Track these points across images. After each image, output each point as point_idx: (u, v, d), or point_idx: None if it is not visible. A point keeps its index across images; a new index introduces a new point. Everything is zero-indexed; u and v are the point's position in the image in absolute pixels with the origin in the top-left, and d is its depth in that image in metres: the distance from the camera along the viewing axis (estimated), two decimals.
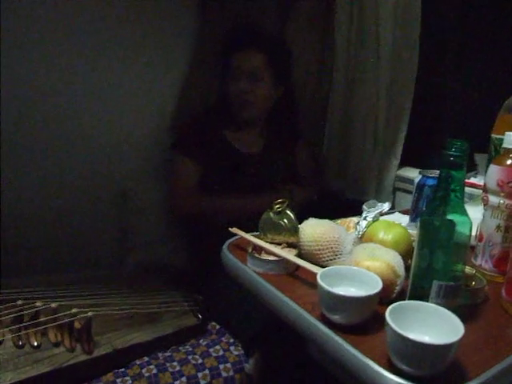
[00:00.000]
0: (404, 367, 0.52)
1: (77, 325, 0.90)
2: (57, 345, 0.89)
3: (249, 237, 0.77)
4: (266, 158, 1.40)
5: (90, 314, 0.90)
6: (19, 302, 0.92)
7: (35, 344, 0.88)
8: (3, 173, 1.27)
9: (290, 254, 0.72)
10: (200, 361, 0.94)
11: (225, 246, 0.80)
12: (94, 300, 0.98)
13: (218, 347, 0.99)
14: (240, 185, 1.33)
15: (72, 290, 1.02)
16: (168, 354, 0.96)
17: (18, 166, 1.31)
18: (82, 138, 1.38)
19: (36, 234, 1.34)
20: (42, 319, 0.91)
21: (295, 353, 0.93)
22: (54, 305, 0.92)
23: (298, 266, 0.72)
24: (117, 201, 1.44)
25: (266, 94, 1.39)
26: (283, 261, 0.71)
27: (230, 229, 0.81)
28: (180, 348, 0.98)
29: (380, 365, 0.54)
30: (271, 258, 0.73)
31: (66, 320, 0.90)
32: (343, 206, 1.01)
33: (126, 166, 1.45)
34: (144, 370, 0.90)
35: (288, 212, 0.77)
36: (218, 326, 1.08)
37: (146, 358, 0.94)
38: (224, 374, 0.95)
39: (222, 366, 0.95)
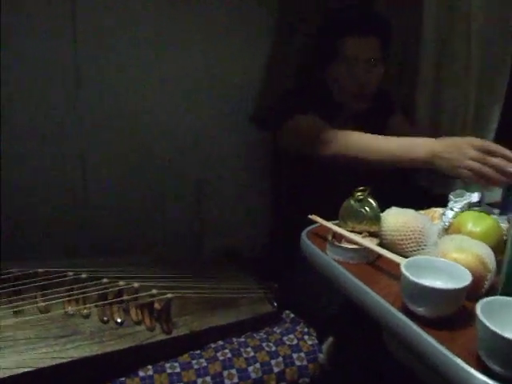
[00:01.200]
0: (496, 367, 0.49)
1: (157, 305, 0.93)
2: (138, 323, 0.93)
3: (329, 224, 0.76)
4: None
5: (169, 295, 0.93)
6: (104, 280, 0.97)
7: (118, 320, 0.92)
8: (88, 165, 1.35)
9: (371, 243, 0.70)
10: (274, 348, 0.95)
11: (304, 234, 0.79)
12: (173, 282, 1.00)
13: (291, 336, 0.98)
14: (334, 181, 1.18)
15: (153, 272, 1.05)
16: (242, 339, 0.97)
17: (102, 159, 1.39)
18: (159, 130, 1.42)
19: (120, 218, 1.40)
20: (124, 298, 0.95)
21: (369, 343, 0.91)
22: (136, 285, 0.96)
23: (379, 256, 0.70)
24: (196, 188, 1.47)
25: (378, 82, 1.26)
26: (364, 250, 0.69)
27: (309, 216, 0.80)
28: (254, 334, 0.99)
29: (469, 363, 0.51)
30: (352, 246, 0.71)
31: (147, 300, 0.94)
32: (429, 201, 0.96)
33: (203, 154, 1.48)
34: (219, 354, 0.92)
35: (370, 200, 0.75)
36: (292, 315, 1.07)
37: (220, 342, 0.95)
38: (297, 363, 0.94)
39: (295, 355, 0.95)
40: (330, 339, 0.98)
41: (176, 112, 1.44)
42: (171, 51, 1.40)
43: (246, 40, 1.47)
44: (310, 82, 1.36)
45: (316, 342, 0.99)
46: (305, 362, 0.95)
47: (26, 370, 0.80)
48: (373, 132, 1.12)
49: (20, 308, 0.93)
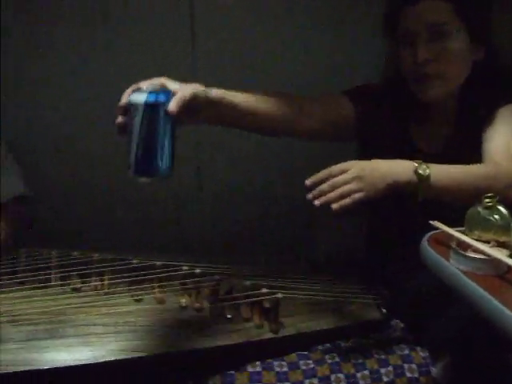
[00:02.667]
0: None
1: (266, 304, 0.95)
2: (247, 320, 0.95)
3: (453, 232, 0.72)
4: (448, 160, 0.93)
5: (279, 295, 0.93)
6: (217, 277, 1.01)
7: (228, 316, 0.95)
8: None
9: (502, 254, 0.65)
10: (383, 356, 0.92)
11: (425, 240, 0.76)
12: (284, 283, 1.01)
13: (402, 345, 0.94)
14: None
15: (264, 271, 1.07)
16: (350, 344, 0.95)
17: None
18: None
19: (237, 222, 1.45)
20: (235, 295, 0.98)
21: (492, 364, 0.84)
22: (247, 283, 0.99)
23: (510, 269, 0.65)
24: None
25: (458, 59, 0.97)
26: (494, 261, 0.65)
27: (430, 222, 0.76)
28: (363, 341, 0.96)
29: None
30: (479, 256, 0.66)
31: (257, 298, 0.96)
32: None
33: None
34: (327, 357, 0.90)
35: (500, 207, 0.69)
36: (401, 325, 1.03)
37: (328, 345, 0.94)
38: (408, 375, 0.90)
39: (406, 366, 0.91)
40: (448, 357, 0.92)
41: None
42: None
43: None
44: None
45: (428, 354, 0.95)
46: (416, 375, 0.91)
47: (143, 354, 0.85)
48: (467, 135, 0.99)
49: (139, 297, 0.99)
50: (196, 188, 1.51)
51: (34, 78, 1.43)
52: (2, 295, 0.97)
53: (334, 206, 0.80)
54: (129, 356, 0.85)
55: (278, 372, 0.87)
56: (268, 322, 0.95)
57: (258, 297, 0.95)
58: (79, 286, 1.02)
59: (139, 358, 0.85)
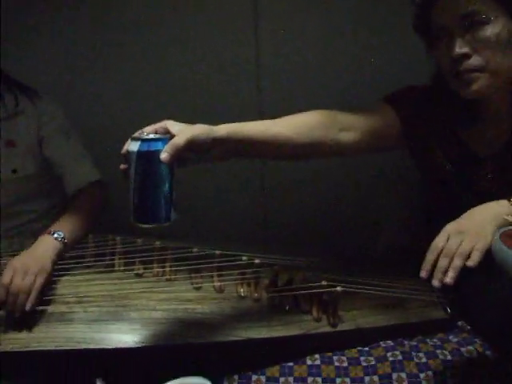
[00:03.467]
0: None
1: (325, 297, 0.93)
2: (305, 312, 0.94)
3: None
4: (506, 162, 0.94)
5: (338, 288, 0.91)
6: (276, 268, 1.00)
7: (287, 308, 0.94)
8: None
9: None
10: (449, 357, 0.87)
11: (497, 237, 0.71)
12: (344, 276, 0.99)
13: (470, 348, 0.89)
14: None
15: (324, 264, 1.06)
16: (414, 343, 0.91)
17: None
18: None
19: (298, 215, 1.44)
20: (294, 286, 0.97)
21: None
22: (307, 275, 0.98)
23: None
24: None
25: (501, 48, 0.86)
26: None
27: (505, 217, 0.71)
28: (427, 340, 0.92)
29: None
30: None
31: (316, 291, 0.94)
32: None
33: None
34: (389, 354, 0.87)
35: None
36: (468, 327, 0.98)
37: (390, 342, 0.91)
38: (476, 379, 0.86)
39: (474, 370, 0.86)
40: None
41: None
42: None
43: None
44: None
45: (497, 358, 0.89)
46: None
47: (201, 341, 0.87)
48: None
49: (199, 285, 1.01)
50: (259, 183, 1.52)
51: (94, 76, 1.50)
52: (71, 277, 1.02)
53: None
54: (187, 341, 0.87)
55: (337, 366, 0.85)
56: (327, 316, 0.93)
57: (317, 289, 0.94)
58: (142, 271, 1.05)
59: (197, 344, 0.87)
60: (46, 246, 1.02)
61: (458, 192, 1.02)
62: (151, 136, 0.75)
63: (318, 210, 1.46)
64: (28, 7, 1.46)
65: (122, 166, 0.77)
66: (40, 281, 0.94)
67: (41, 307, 0.93)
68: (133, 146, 0.74)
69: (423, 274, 0.77)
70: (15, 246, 1.13)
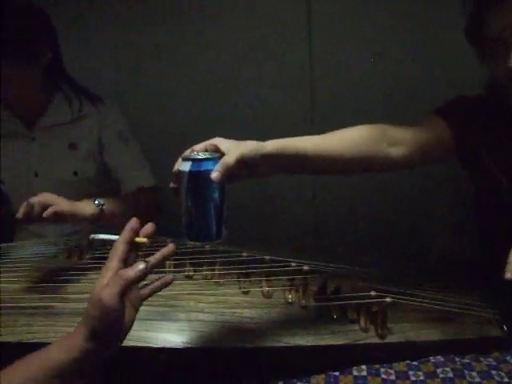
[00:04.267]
0: None
1: (374, 307, 0.91)
2: (353, 322, 0.93)
3: None
4: None
5: (388, 299, 0.89)
6: (324, 275, 1.00)
7: (334, 316, 0.93)
8: None
9: None
10: (506, 380, 0.83)
11: None
12: (394, 287, 0.97)
13: None
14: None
15: (374, 273, 1.04)
16: (466, 360, 0.87)
17: None
18: None
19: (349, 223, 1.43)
20: (342, 295, 0.96)
21: None
22: (355, 284, 0.96)
23: None
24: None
25: None
26: None
27: None
28: (481, 358, 0.88)
29: None
30: None
31: (365, 301, 0.93)
32: None
33: None
34: (439, 370, 0.84)
35: None
36: None
37: (441, 358, 0.88)
38: None
39: None
40: None
41: None
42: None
43: None
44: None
45: None
46: None
47: (247, 345, 0.87)
48: None
49: (247, 289, 1.02)
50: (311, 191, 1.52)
51: (156, 83, 1.55)
52: None
53: None
54: (233, 345, 0.87)
55: (384, 379, 0.83)
56: (375, 326, 0.91)
57: (366, 299, 0.92)
58: (191, 273, 1.07)
59: (243, 348, 0.88)
60: (85, 204, 1.10)
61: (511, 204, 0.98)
62: (202, 156, 0.76)
63: (370, 219, 1.45)
64: (91, 12, 1.53)
65: (172, 185, 0.79)
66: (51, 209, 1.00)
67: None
68: (184, 166, 0.75)
69: (508, 275, 0.76)
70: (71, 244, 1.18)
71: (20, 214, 0.99)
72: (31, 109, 1.24)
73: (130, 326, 0.69)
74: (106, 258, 1.05)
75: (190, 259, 1.09)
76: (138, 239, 0.75)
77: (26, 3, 1.13)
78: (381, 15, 1.40)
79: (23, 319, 0.93)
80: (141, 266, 0.69)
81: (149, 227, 0.76)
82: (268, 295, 1.00)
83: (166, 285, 0.76)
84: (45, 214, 0.97)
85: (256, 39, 1.48)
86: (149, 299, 0.96)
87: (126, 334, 0.68)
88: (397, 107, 1.40)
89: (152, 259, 0.72)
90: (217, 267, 1.07)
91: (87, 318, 0.65)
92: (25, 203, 0.99)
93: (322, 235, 1.48)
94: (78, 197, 1.28)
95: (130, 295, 0.68)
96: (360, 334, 0.91)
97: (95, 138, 1.28)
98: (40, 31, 1.15)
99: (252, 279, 1.04)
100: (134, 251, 0.75)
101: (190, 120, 1.58)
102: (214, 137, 0.82)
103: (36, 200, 0.99)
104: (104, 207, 1.10)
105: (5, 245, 1.22)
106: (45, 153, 1.28)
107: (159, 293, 0.97)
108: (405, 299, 0.94)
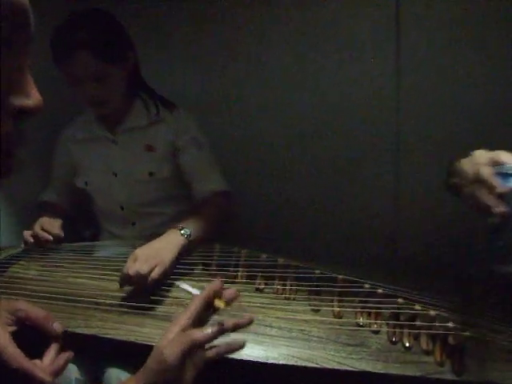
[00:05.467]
0: None
1: (451, 340, 0.85)
2: (427, 353, 0.86)
3: None
4: None
5: (467, 333, 0.83)
6: (400, 301, 0.94)
7: (407, 345, 0.88)
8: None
9: None
10: None
11: None
12: (472, 320, 0.89)
13: None
14: None
15: (453, 303, 0.96)
16: None
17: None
18: None
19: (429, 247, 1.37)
20: (417, 323, 0.90)
21: None
22: (432, 313, 0.90)
23: None
24: None
25: None
26: None
27: None
28: None
29: None
30: None
31: (441, 332, 0.86)
32: None
33: None
34: None
35: None
36: None
37: None
38: None
39: None
40: None
41: None
42: None
43: None
44: None
45: None
46: None
47: (312, 365, 0.84)
48: None
49: (318, 307, 0.99)
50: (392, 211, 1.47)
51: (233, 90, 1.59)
52: (195, 283, 1.07)
53: None
54: (299, 364, 0.85)
55: None
56: (451, 361, 0.84)
57: (442, 331, 0.86)
58: (262, 286, 1.06)
59: (309, 368, 0.85)
60: (172, 240, 1.11)
61: None
62: None
63: (452, 246, 1.35)
64: (169, 23, 1.61)
65: (501, 209, 0.71)
66: (158, 271, 1.01)
67: (165, 307, 0.99)
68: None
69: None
70: None
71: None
72: (114, 113, 1.33)
73: None
74: (189, 265, 1.11)
75: (262, 272, 1.08)
76: (216, 303, 0.74)
77: (107, 14, 1.24)
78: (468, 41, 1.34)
79: (99, 315, 0.98)
80: (210, 329, 0.68)
81: (231, 292, 0.75)
82: (338, 315, 0.97)
83: (235, 350, 0.73)
84: (154, 275, 1.01)
85: (344, 68, 1.48)
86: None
87: None
88: (486, 134, 1.31)
89: (225, 324, 0.70)
90: (288, 282, 1.05)
91: (147, 370, 0.65)
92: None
93: (401, 257, 1.41)
94: (152, 198, 1.37)
95: (194, 355, 0.66)
96: (434, 366, 0.84)
97: (170, 141, 1.35)
98: (124, 35, 1.26)
99: (323, 297, 1.01)
100: (211, 311, 0.74)
101: (268, 131, 1.60)
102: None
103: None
104: (190, 237, 1.13)
105: (90, 243, 1.31)
106: (123, 154, 1.36)
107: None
108: (488, 335, 0.86)
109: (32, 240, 1.24)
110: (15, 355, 0.68)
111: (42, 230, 1.24)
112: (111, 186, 1.38)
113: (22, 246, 1.27)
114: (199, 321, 0.70)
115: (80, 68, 1.18)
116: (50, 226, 1.25)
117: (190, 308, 0.70)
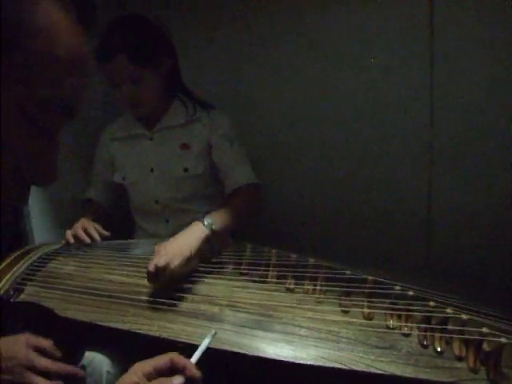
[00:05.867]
0: None
1: (486, 346, 0.82)
2: (459, 359, 0.84)
3: None
4: None
5: (503, 340, 0.80)
6: (432, 304, 0.92)
7: (439, 349, 0.86)
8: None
9: None
10: None
11: None
12: (508, 326, 0.86)
13: None
14: None
15: (484, 309, 0.93)
16: None
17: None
18: None
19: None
20: (449, 327, 0.88)
21: None
22: (464, 317, 0.87)
23: None
24: None
25: None
26: None
27: None
28: None
29: None
30: None
31: (475, 337, 0.84)
32: None
33: None
34: None
35: None
36: None
37: None
38: None
39: None
40: None
41: None
42: None
43: None
44: None
45: None
46: None
47: (340, 366, 0.84)
48: None
49: (347, 309, 0.98)
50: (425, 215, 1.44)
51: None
52: (226, 281, 1.09)
53: None
54: (327, 365, 0.85)
55: None
56: (486, 368, 0.82)
57: (475, 336, 0.83)
58: (293, 286, 1.06)
59: (337, 369, 0.84)
60: (194, 232, 1.13)
61: None
62: None
63: (486, 252, 1.31)
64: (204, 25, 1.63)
65: None
66: (176, 262, 1.03)
67: (196, 305, 1.01)
68: None
69: None
70: None
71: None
72: (152, 112, 1.37)
73: None
74: (221, 263, 1.12)
75: (293, 272, 1.08)
76: None
77: (146, 20, 1.30)
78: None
79: (133, 310, 1.01)
80: (178, 380, 0.65)
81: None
82: (368, 317, 0.96)
83: None
84: (171, 266, 1.02)
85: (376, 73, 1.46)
86: (248, 307, 0.98)
87: None
88: None
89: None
90: (318, 283, 1.05)
91: None
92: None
93: (434, 261, 1.38)
94: (187, 194, 1.41)
95: None
96: (467, 373, 0.82)
97: (205, 140, 1.39)
98: (161, 40, 1.31)
99: (353, 299, 1.00)
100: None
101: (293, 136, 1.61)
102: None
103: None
104: (213, 227, 1.15)
105: (125, 241, 1.35)
106: (160, 151, 1.41)
107: (257, 301, 0.99)
108: None
109: (73, 240, 1.28)
110: None
111: (84, 230, 1.29)
112: (147, 181, 1.42)
113: (62, 242, 1.31)
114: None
115: (117, 71, 1.25)
116: (91, 229, 1.30)
117: (160, 359, 0.68)
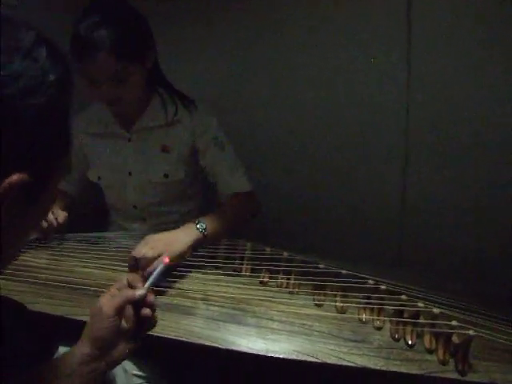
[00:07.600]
0: None
1: (455, 339, 0.83)
2: (430, 352, 0.85)
3: None
4: None
5: (471, 332, 0.81)
6: (403, 297, 0.93)
7: (410, 343, 0.87)
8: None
9: None
10: None
11: None
12: (480, 319, 0.88)
13: None
14: None
15: (457, 302, 0.95)
16: None
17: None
18: None
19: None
20: (420, 321, 0.89)
21: None
22: (436, 310, 0.89)
23: None
24: None
25: None
26: None
27: None
28: None
29: None
30: None
31: (444, 330, 0.85)
32: None
33: None
34: None
35: None
36: None
37: None
38: None
39: None
40: None
41: None
42: None
43: None
44: None
45: None
46: None
47: (312, 359, 0.84)
48: None
49: (321, 302, 0.98)
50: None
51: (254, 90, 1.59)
52: (201, 275, 1.08)
53: None
54: (300, 358, 0.85)
55: None
56: (455, 360, 0.83)
57: (445, 329, 0.85)
58: (266, 280, 1.06)
59: (309, 362, 0.85)
60: (186, 232, 1.10)
61: None
62: None
63: (458, 247, 1.33)
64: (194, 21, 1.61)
65: None
66: (165, 260, 0.97)
67: (170, 298, 1.00)
68: None
69: None
70: None
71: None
72: (131, 111, 1.28)
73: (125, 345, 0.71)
74: (196, 256, 1.11)
75: (267, 266, 1.08)
76: None
77: (131, 10, 1.15)
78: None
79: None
80: (141, 291, 0.73)
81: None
82: (342, 311, 0.96)
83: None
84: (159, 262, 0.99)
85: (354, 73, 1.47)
86: (221, 300, 0.98)
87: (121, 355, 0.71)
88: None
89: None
90: (292, 276, 1.05)
91: (89, 322, 0.72)
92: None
93: (405, 254, 1.40)
94: (166, 197, 1.36)
95: (127, 310, 0.72)
96: (437, 365, 0.83)
97: (187, 143, 1.31)
98: (145, 28, 1.18)
99: (327, 292, 1.01)
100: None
101: (283, 132, 1.61)
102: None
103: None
104: (206, 232, 1.12)
105: (99, 234, 1.32)
106: (139, 154, 1.33)
107: (231, 295, 0.98)
108: (492, 335, 0.84)
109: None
110: None
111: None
112: (125, 186, 1.35)
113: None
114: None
115: (99, 70, 1.10)
116: (56, 215, 1.23)
117: (130, 275, 0.78)
